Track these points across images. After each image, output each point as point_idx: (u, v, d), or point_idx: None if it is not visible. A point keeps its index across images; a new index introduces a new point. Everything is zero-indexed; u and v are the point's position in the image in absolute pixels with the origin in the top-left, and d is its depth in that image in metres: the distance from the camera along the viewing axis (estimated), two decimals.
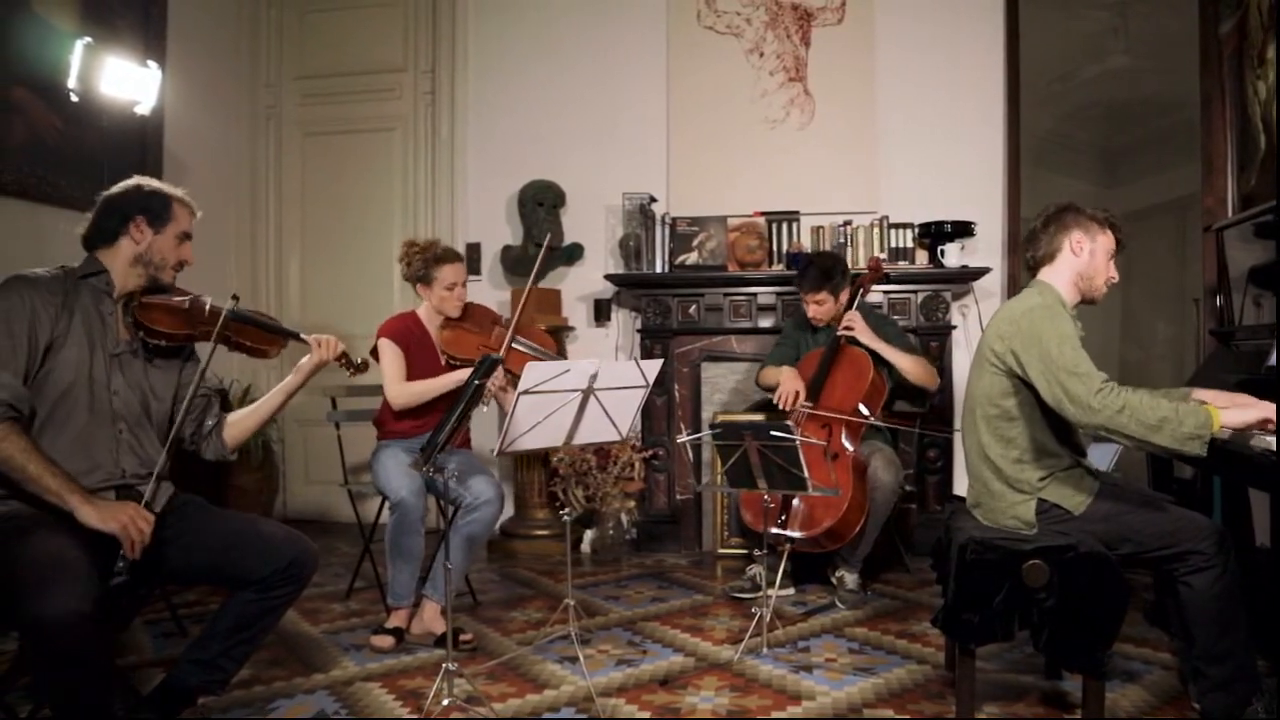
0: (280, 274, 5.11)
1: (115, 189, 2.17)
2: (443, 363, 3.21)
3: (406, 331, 3.21)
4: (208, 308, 2.20)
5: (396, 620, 3.04)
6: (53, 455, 1.94)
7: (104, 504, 1.93)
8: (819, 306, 3.63)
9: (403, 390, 3.12)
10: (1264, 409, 2.12)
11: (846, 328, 3.52)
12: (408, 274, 3.23)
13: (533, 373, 2.35)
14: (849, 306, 3.60)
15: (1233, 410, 2.12)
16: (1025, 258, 2.47)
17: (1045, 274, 2.39)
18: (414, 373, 3.15)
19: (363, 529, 3.50)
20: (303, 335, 2.33)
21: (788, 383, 3.52)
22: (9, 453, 1.85)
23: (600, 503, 4.30)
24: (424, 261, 3.19)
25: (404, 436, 3.21)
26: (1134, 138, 5.58)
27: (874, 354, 3.53)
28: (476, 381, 2.22)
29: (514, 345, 3.14)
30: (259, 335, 2.27)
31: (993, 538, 2.22)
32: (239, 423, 2.33)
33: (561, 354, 4.47)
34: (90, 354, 2.04)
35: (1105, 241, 2.36)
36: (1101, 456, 3.47)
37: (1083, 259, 2.35)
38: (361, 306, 4.84)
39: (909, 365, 3.54)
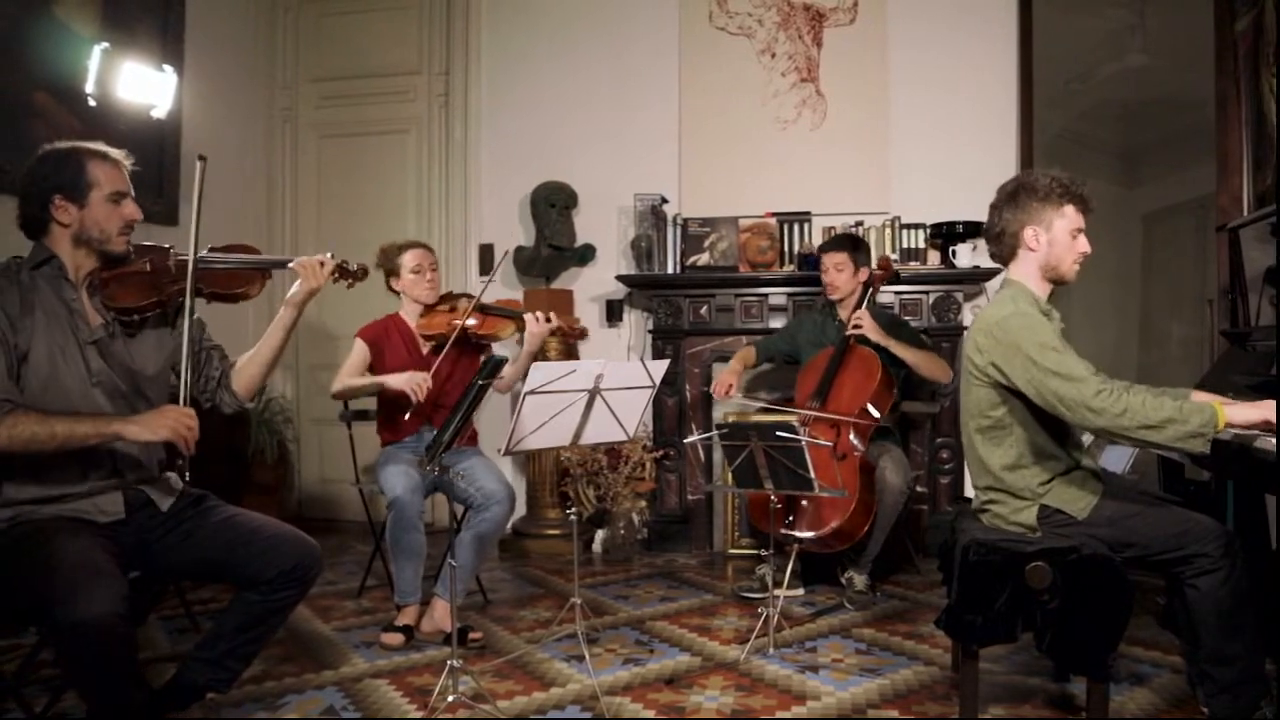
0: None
1: (26, 168, 2.00)
2: (424, 350, 3.30)
3: (383, 331, 3.32)
4: (172, 263, 2.07)
5: (405, 618, 3.06)
6: (48, 469, 1.93)
7: (145, 417, 1.91)
8: (838, 272, 3.64)
9: (337, 380, 3.22)
10: (1269, 408, 2.09)
11: (855, 325, 3.53)
12: (386, 273, 3.34)
13: (538, 373, 2.38)
14: (858, 305, 3.60)
15: (1238, 407, 2.08)
16: (991, 254, 2.40)
17: (1012, 271, 2.33)
18: (395, 364, 3.23)
19: (373, 528, 3.53)
20: (290, 263, 2.20)
21: (724, 374, 3.69)
22: (28, 431, 1.80)
23: (611, 502, 4.32)
24: (390, 256, 3.32)
25: (399, 438, 3.25)
26: (1154, 136, 5.53)
27: (884, 354, 3.54)
28: (480, 382, 2.24)
29: (480, 311, 3.19)
30: (230, 278, 2.14)
31: (996, 539, 2.22)
32: (244, 369, 2.25)
33: (572, 354, 4.49)
34: (62, 349, 1.96)
35: (1064, 223, 2.24)
36: (1118, 459, 3.45)
37: (1041, 251, 2.26)
38: (376, 307, 4.84)
39: (919, 360, 3.56)
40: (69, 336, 1.99)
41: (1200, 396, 2.36)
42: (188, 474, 1.95)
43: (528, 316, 3.13)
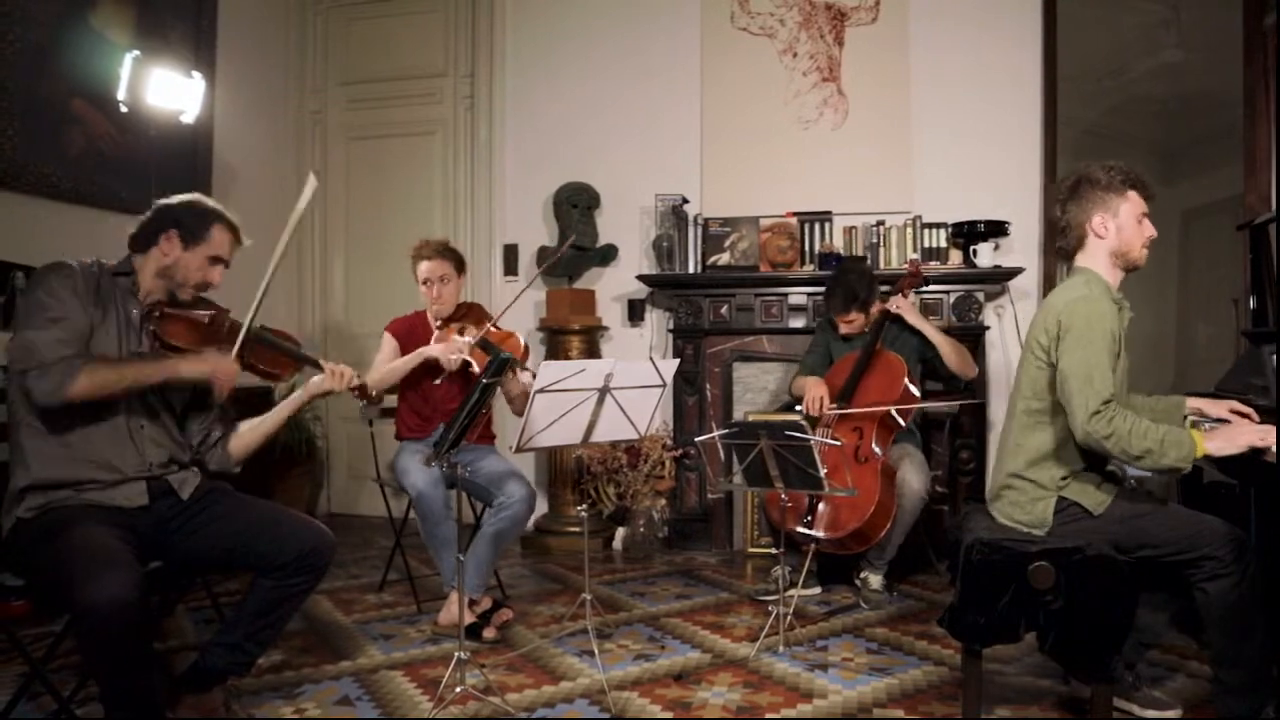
0: (325, 273, 5.27)
1: (171, 199, 2.26)
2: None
3: (409, 327, 3.38)
4: (228, 325, 2.25)
5: (455, 603, 3.12)
6: (85, 447, 2.06)
7: (193, 356, 2.12)
8: (849, 325, 3.67)
9: (373, 372, 3.25)
10: (1252, 435, 2.10)
11: (895, 307, 3.56)
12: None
13: (548, 372, 2.41)
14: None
15: (1218, 439, 2.11)
16: (1057, 249, 2.42)
17: (1081, 260, 2.33)
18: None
19: (394, 523, 3.60)
20: (321, 362, 2.36)
21: (812, 389, 3.57)
22: (101, 379, 1.98)
23: (631, 500, 4.36)
24: (413, 258, 3.34)
25: (416, 436, 3.31)
26: (1191, 133, 5.43)
27: (910, 357, 3.53)
28: (485, 381, 2.28)
29: (481, 347, 3.13)
30: (274, 359, 2.31)
31: (1000, 539, 2.21)
32: (244, 435, 2.40)
33: (593, 353, 4.54)
34: (119, 351, 2.13)
35: (1130, 207, 2.27)
36: None
37: (1110, 238, 2.27)
38: (403, 305, 4.90)
39: (949, 349, 3.57)
40: (123, 345, 2.15)
41: (1194, 403, 2.42)
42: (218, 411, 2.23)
43: (523, 375, 3.03)
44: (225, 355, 2.13)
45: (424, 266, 3.32)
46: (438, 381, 3.12)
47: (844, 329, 3.68)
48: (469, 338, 3.18)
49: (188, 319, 2.23)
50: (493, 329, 3.19)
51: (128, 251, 2.24)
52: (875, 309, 3.65)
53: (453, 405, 3.28)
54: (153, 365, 2.08)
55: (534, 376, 2.90)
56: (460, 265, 3.39)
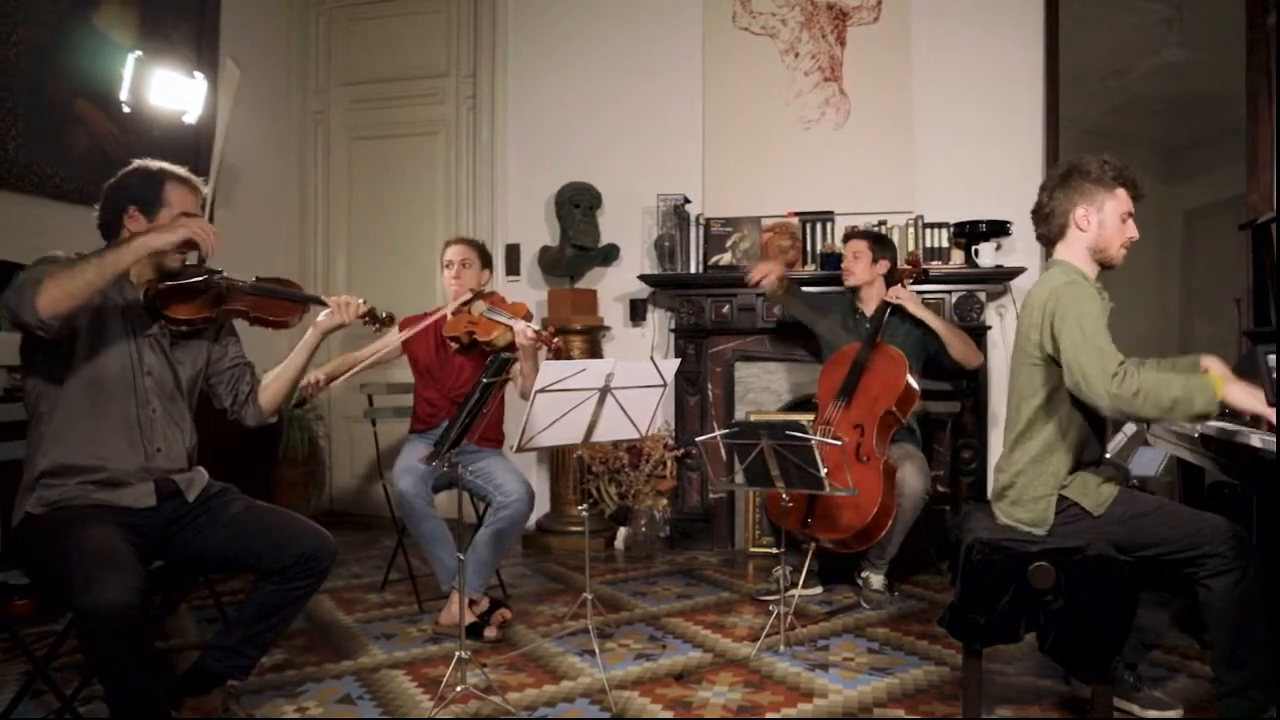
0: (328, 273, 5.28)
1: (113, 178, 2.20)
2: (451, 347, 3.34)
3: (418, 320, 3.40)
4: (225, 286, 2.23)
5: (455, 601, 3.12)
6: (93, 440, 2.06)
7: (161, 224, 2.06)
8: (854, 260, 3.69)
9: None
10: (1261, 401, 2.06)
11: (895, 297, 3.57)
12: None
13: (549, 371, 2.42)
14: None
15: (1238, 387, 2.05)
16: (1038, 235, 2.40)
17: (1060, 251, 2.32)
18: (416, 350, 3.37)
19: (396, 523, 3.60)
20: (324, 298, 2.40)
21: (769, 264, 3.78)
22: (65, 278, 1.85)
23: (633, 500, 4.36)
24: (444, 245, 3.45)
25: (423, 428, 3.35)
26: (1194, 132, 5.42)
27: (911, 352, 3.53)
28: (485, 381, 2.29)
29: (483, 314, 3.20)
30: (279, 306, 2.31)
31: (1000, 539, 2.21)
32: (270, 386, 2.41)
33: (595, 353, 4.54)
34: (118, 340, 2.12)
35: (1115, 205, 2.25)
36: (1150, 462, 3.40)
37: (1091, 233, 2.26)
38: (405, 305, 4.94)
39: (953, 338, 3.57)
40: (126, 330, 2.14)
41: (1210, 363, 2.32)
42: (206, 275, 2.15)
43: (516, 326, 3.08)
44: (199, 218, 2.06)
45: (451, 250, 3.40)
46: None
47: (846, 261, 3.72)
48: (481, 306, 3.26)
49: (185, 289, 2.19)
50: (503, 300, 3.29)
51: (104, 244, 2.19)
52: (880, 268, 3.67)
53: (462, 392, 3.29)
54: (120, 250, 1.95)
55: (536, 332, 3.00)
56: (485, 259, 3.46)
